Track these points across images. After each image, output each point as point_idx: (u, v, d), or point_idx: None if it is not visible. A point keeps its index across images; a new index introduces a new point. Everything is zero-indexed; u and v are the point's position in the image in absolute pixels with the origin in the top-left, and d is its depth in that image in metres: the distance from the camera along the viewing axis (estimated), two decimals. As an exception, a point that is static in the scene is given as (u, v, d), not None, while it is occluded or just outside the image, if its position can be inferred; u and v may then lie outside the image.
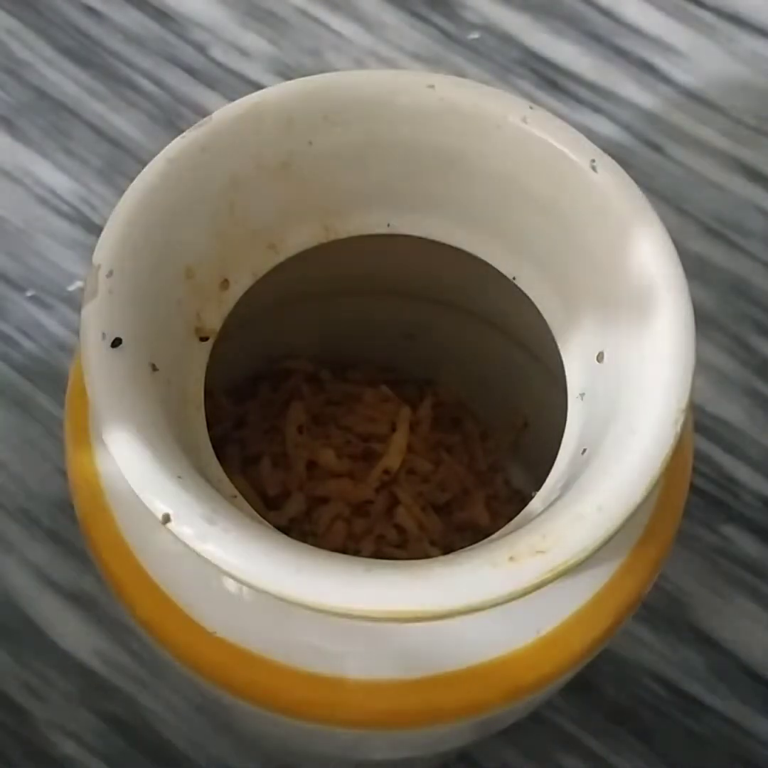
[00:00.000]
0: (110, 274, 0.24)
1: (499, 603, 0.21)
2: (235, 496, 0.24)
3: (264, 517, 0.24)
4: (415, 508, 0.32)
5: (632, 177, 0.25)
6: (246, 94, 0.26)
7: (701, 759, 0.36)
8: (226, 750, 0.35)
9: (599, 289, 0.26)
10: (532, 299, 0.28)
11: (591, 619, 0.25)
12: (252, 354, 0.33)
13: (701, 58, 0.47)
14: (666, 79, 0.46)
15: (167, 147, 0.26)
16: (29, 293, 0.42)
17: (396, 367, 0.35)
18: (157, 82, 0.46)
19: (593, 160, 0.25)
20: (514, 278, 0.28)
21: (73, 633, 0.36)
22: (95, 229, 0.42)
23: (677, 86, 0.46)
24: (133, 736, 0.35)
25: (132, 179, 0.25)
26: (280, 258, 0.28)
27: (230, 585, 0.24)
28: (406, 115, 0.27)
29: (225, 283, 0.28)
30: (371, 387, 0.34)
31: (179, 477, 0.22)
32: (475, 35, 0.47)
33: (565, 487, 0.24)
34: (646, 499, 0.22)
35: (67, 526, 0.37)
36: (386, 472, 0.32)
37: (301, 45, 0.47)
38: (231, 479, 0.25)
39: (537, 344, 0.29)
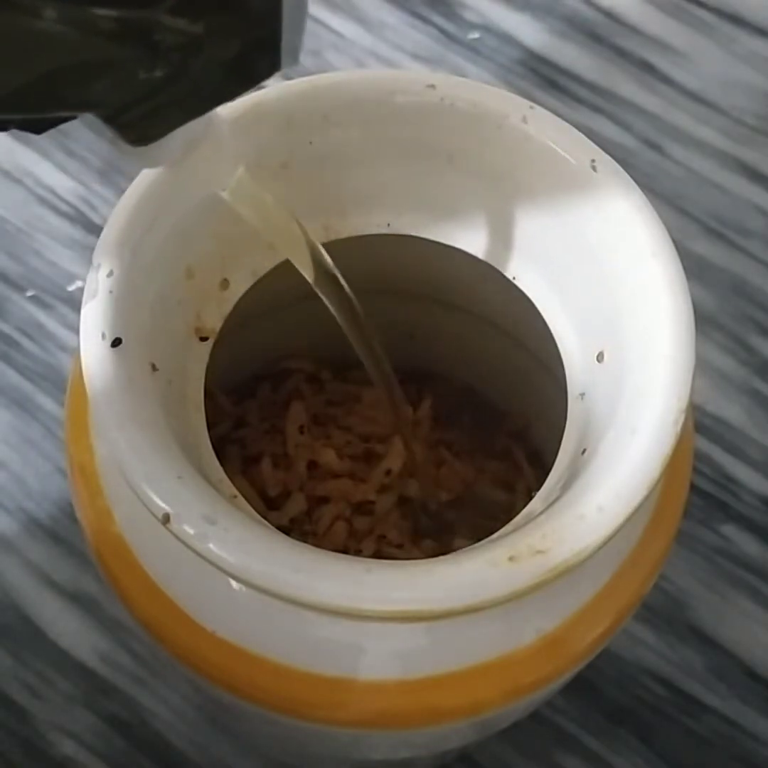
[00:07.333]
0: (110, 274, 0.24)
1: (499, 603, 0.21)
2: (235, 496, 0.24)
3: (264, 517, 0.24)
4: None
5: (632, 177, 0.25)
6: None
7: (701, 759, 0.36)
8: (226, 750, 0.35)
9: (599, 290, 0.26)
10: (532, 299, 0.28)
11: (591, 619, 0.25)
12: (252, 354, 0.33)
13: (701, 58, 0.47)
14: (666, 79, 0.46)
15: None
16: (29, 293, 0.42)
17: (396, 367, 0.35)
18: (157, 82, 0.45)
19: (593, 160, 0.25)
20: (514, 278, 0.28)
21: (73, 633, 0.36)
22: (95, 229, 0.42)
23: (677, 86, 0.46)
24: (133, 736, 0.35)
25: (132, 179, 0.25)
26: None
27: (230, 585, 0.24)
28: (406, 115, 0.27)
29: (225, 283, 0.28)
30: (371, 387, 0.34)
31: (179, 477, 0.22)
32: (475, 35, 0.47)
33: (565, 487, 0.24)
34: (646, 499, 0.22)
35: (67, 526, 0.37)
36: (387, 473, 0.32)
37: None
38: (231, 479, 0.25)
39: (537, 344, 0.29)
